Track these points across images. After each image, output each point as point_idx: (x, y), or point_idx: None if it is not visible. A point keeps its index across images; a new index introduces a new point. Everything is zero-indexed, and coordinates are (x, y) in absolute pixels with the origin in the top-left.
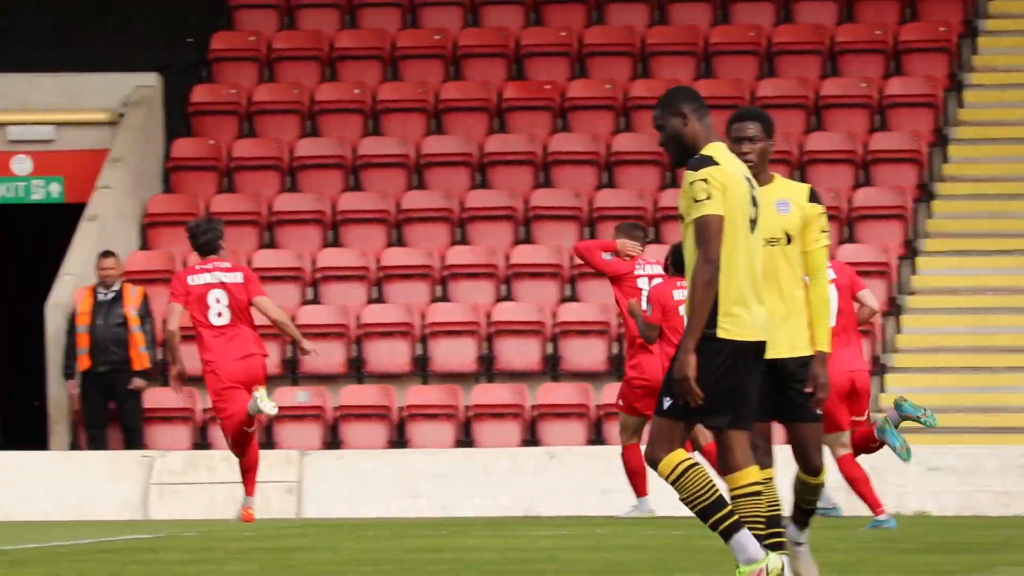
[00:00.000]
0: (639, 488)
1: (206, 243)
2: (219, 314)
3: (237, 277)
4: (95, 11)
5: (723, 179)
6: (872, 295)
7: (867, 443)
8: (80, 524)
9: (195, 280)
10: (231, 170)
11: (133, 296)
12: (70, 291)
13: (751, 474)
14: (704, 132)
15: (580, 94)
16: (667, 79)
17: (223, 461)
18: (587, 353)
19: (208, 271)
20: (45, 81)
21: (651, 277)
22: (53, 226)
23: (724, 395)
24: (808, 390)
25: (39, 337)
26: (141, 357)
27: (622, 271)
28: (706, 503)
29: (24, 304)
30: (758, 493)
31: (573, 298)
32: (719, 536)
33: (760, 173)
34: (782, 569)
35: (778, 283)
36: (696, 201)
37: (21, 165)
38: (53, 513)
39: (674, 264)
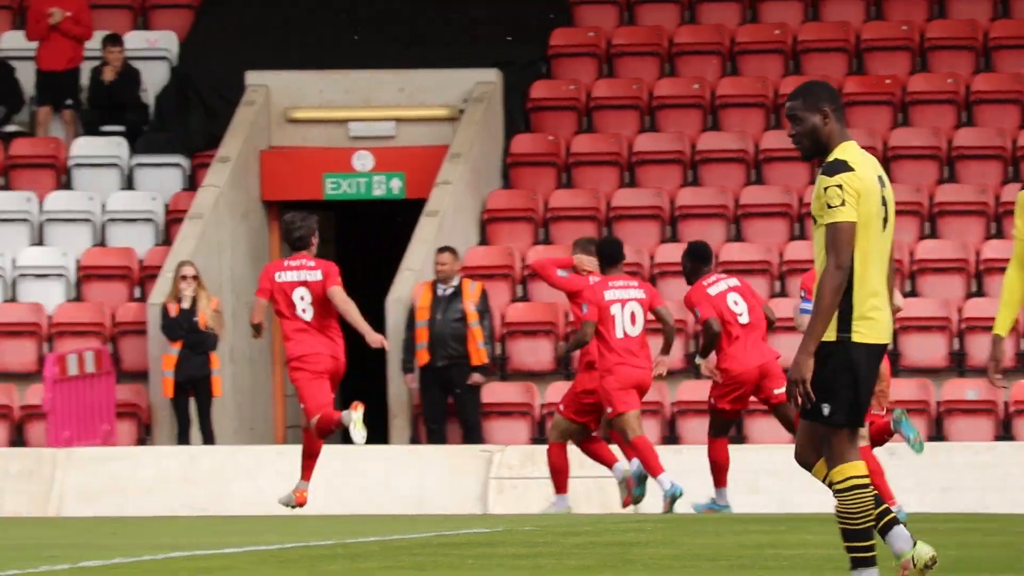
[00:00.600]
0: (560, 486)
1: (299, 238)
2: (303, 310)
3: (317, 275)
4: (437, 8)
5: (858, 185)
6: (900, 296)
7: (882, 435)
8: (418, 518)
9: (282, 277)
10: (570, 165)
11: (472, 291)
12: (410, 286)
13: (859, 467)
14: (839, 132)
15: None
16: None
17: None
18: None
19: (294, 269)
20: (387, 78)
21: (624, 302)
22: (394, 221)
23: (859, 396)
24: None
25: (380, 332)
26: (479, 352)
27: (576, 287)
28: (858, 527)
29: (365, 299)
30: (866, 486)
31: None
32: (849, 562)
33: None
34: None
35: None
36: (830, 207)
37: (363, 161)
38: (392, 507)
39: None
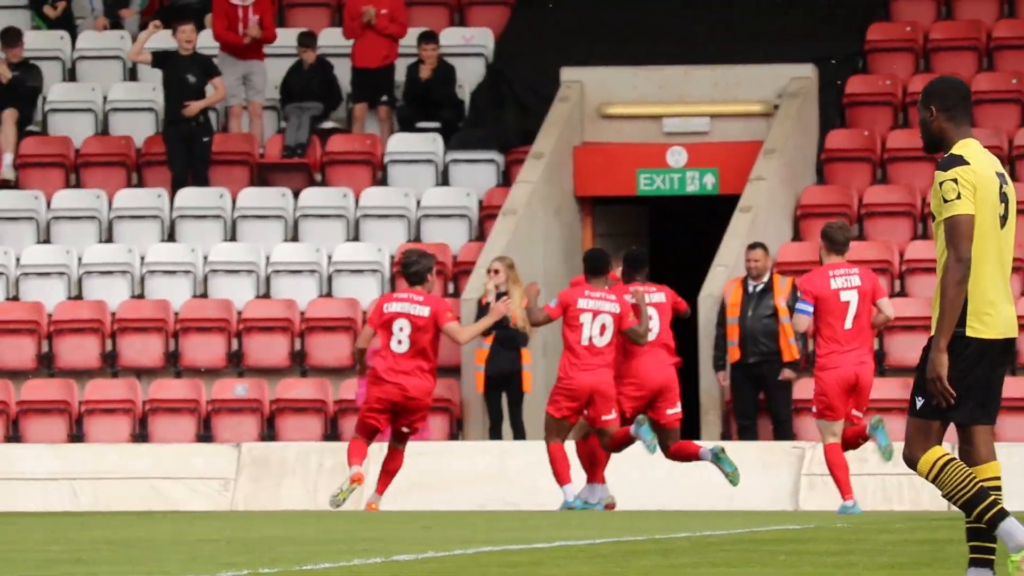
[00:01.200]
0: (593, 475)
1: (415, 273)
2: (399, 342)
3: (424, 311)
4: (753, 3)
5: (972, 179)
6: (890, 305)
7: (856, 440)
8: (731, 514)
9: (389, 308)
10: (885, 161)
11: (783, 287)
12: (722, 283)
13: (994, 467)
14: (953, 129)
15: None
16: None
17: (872, 452)
18: None
19: (401, 301)
20: (701, 73)
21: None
22: (707, 217)
23: (971, 392)
24: None
25: (692, 328)
26: (791, 348)
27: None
28: (968, 495)
29: (679, 295)
30: (999, 488)
31: None
32: (986, 525)
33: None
34: None
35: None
36: (946, 201)
37: (676, 157)
38: (703, 503)
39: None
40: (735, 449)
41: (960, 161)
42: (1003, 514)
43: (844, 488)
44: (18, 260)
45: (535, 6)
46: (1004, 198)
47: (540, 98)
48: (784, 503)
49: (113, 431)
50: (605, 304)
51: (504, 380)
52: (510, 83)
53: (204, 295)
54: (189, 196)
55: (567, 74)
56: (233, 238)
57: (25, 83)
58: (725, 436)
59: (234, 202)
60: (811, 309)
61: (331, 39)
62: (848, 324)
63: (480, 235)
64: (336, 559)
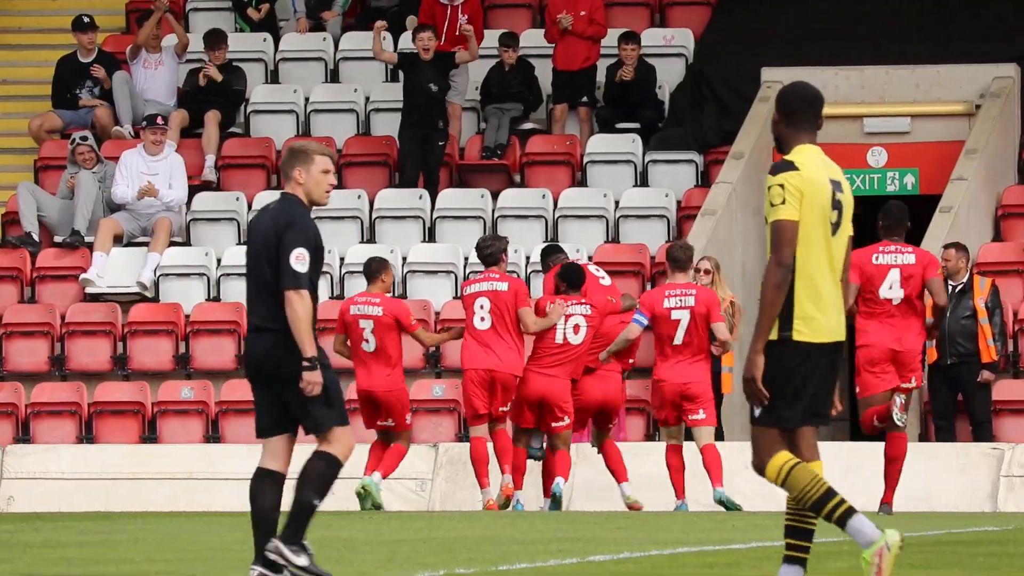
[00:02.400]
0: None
1: (489, 255)
2: (481, 319)
3: (503, 286)
4: (956, 3)
5: (799, 184)
6: (724, 330)
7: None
8: (928, 516)
9: (468, 289)
10: None
11: (983, 288)
12: None
13: (816, 467)
14: (791, 134)
15: None
16: None
17: None
18: None
19: (479, 281)
20: (902, 73)
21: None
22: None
23: (799, 395)
24: None
25: None
26: (989, 349)
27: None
28: (816, 496)
29: None
30: (798, 462)
31: None
32: (836, 525)
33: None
34: (902, 541)
35: None
36: (772, 205)
37: (876, 157)
38: (900, 504)
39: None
40: (933, 450)
41: (790, 167)
42: (851, 512)
43: (678, 489)
44: (219, 261)
45: (736, 6)
46: (838, 205)
47: (740, 98)
48: (982, 504)
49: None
50: (578, 308)
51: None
52: (710, 83)
53: (404, 295)
54: (387, 197)
55: (768, 74)
56: (431, 239)
57: (230, 85)
58: (923, 437)
59: (433, 203)
60: (645, 321)
61: (532, 40)
62: (678, 340)
63: (678, 235)
64: (532, 559)
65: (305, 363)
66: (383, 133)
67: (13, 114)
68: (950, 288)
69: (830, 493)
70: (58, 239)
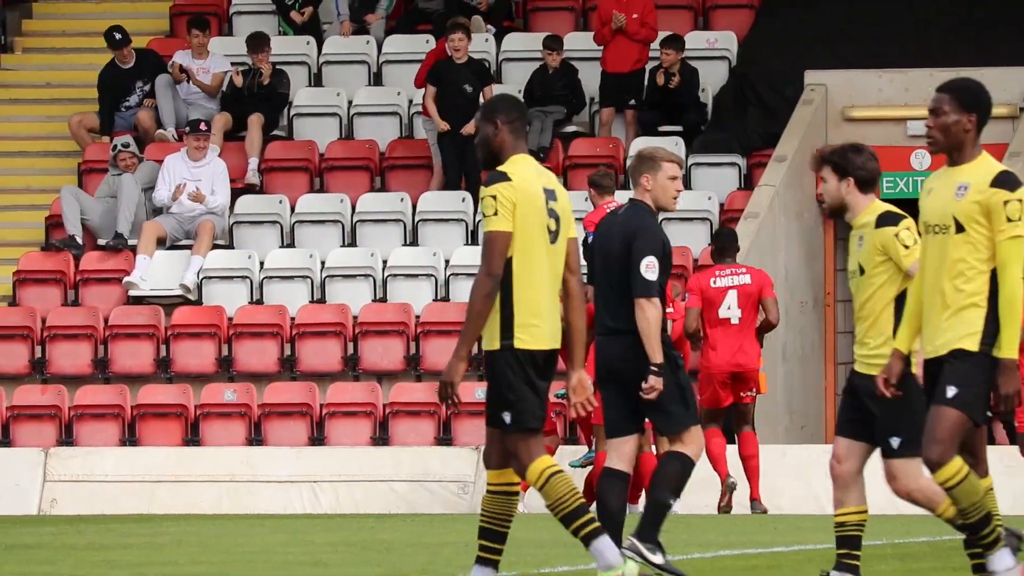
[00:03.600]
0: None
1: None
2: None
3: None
4: (998, 4)
5: (512, 195)
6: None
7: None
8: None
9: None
10: None
11: None
12: None
13: (547, 459)
14: (511, 144)
15: None
16: None
17: None
18: None
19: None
20: (946, 76)
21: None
22: None
23: (520, 400)
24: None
25: None
26: None
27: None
28: (569, 509)
29: None
30: (517, 493)
31: None
32: (580, 541)
33: (953, 151)
34: None
35: (938, 275)
36: (484, 216)
37: (920, 160)
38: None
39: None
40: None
41: (503, 178)
42: (598, 532)
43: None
44: (262, 264)
45: (780, 9)
46: (553, 214)
47: (784, 101)
48: None
49: (354, 433)
50: None
51: None
52: (753, 86)
53: (446, 298)
54: (429, 200)
55: (811, 77)
56: (475, 242)
57: (274, 89)
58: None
59: (475, 206)
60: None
61: (576, 43)
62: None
63: None
64: (574, 562)
65: (652, 368)
66: (425, 136)
67: (56, 117)
68: None
69: (582, 509)
70: (101, 242)
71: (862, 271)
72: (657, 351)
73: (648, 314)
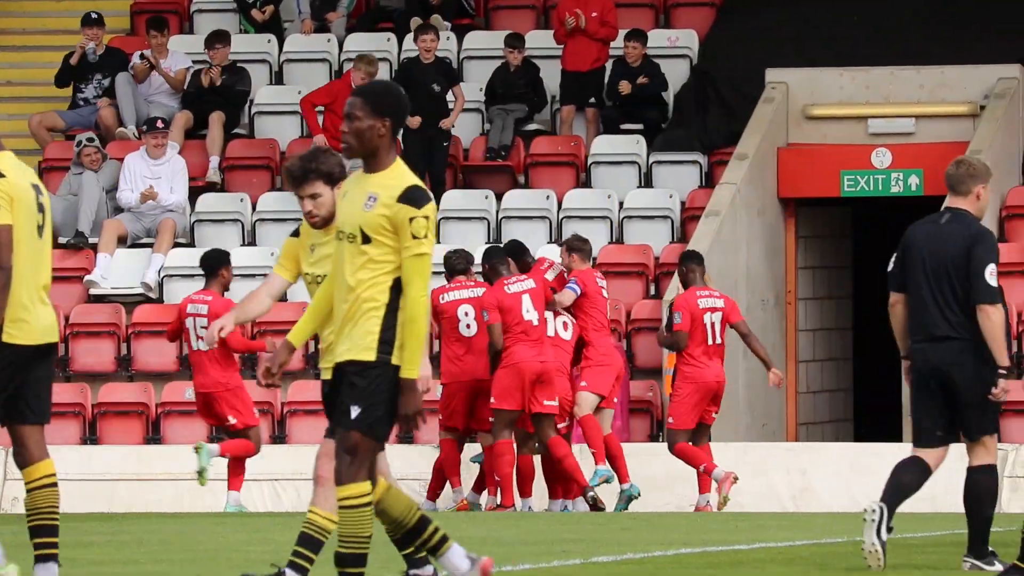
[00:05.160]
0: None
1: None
2: (468, 326)
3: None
4: (959, 4)
5: (10, 190)
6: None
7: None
8: (932, 516)
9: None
10: None
11: None
12: None
13: (46, 466)
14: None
15: None
16: None
17: None
18: None
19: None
20: (907, 74)
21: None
22: (911, 219)
23: (22, 393)
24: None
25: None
26: None
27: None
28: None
29: (876, 298)
30: (55, 485)
31: None
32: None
33: (368, 157)
34: None
35: (344, 281)
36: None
37: (881, 158)
38: (907, 505)
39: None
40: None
41: None
42: (49, 558)
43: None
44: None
45: (741, 7)
46: (41, 208)
47: (744, 99)
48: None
49: (315, 431)
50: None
51: None
52: (715, 84)
53: None
54: None
55: (772, 75)
56: (436, 240)
57: (232, 86)
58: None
59: (438, 204)
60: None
61: (537, 41)
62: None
63: (682, 236)
64: (536, 560)
65: (1001, 371)
66: None
67: (17, 115)
68: None
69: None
70: (62, 240)
71: None
72: (1004, 354)
73: (995, 319)
